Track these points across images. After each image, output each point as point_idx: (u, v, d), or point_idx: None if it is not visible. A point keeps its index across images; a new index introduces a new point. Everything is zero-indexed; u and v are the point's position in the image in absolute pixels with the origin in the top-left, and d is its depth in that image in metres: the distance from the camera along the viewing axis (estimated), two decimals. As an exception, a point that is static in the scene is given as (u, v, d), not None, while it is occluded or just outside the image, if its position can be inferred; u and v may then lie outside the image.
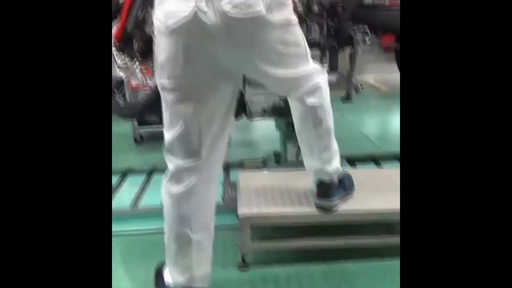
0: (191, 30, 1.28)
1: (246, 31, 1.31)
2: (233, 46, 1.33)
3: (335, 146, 1.76)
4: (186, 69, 1.34)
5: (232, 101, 1.49)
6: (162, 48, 1.35)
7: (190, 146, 1.43)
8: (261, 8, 1.28)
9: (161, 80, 1.39)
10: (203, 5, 1.25)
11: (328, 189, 1.80)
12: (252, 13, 1.28)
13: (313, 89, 1.60)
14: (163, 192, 1.52)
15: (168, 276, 1.58)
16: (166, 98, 1.41)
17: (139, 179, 2.81)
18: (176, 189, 1.48)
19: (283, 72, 1.47)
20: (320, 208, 1.82)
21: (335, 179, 1.81)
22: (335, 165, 1.78)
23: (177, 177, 1.47)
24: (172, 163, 1.47)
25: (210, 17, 1.26)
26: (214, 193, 1.58)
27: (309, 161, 1.79)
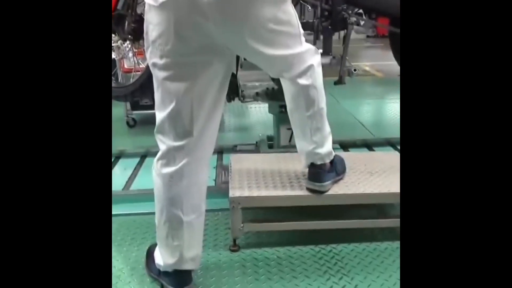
0: (182, 4, 1.26)
1: (237, 6, 1.29)
2: (224, 22, 1.31)
3: (327, 128, 1.75)
4: (177, 45, 1.32)
5: (224, 81, 1.47)
6: (153, 25, 1.33)
7: (181, 125, 1.42)
8: None
9: (153, 57, 1.37)
10: None
11: (320, 172, 1.80)
12: None
13: (306, 70, 1.58)
14: (154, 173, 1.51)
15: (159, 257, 1.58)
16: (158, 76, 1.39)
17: (131, 162, 2.83)
18: (167, 169, 1.46)
19: (275, 52, 1.45)
20: (312, 191, 1.81)
21: (327, 162, 1.80)
22: (327, 148, 1.77)
23: (168, 157, 1.46)
24: (164, 143, 1.46)
25: None
26: (206, 175, 1.57)
27: (301, 143, 1.78)
